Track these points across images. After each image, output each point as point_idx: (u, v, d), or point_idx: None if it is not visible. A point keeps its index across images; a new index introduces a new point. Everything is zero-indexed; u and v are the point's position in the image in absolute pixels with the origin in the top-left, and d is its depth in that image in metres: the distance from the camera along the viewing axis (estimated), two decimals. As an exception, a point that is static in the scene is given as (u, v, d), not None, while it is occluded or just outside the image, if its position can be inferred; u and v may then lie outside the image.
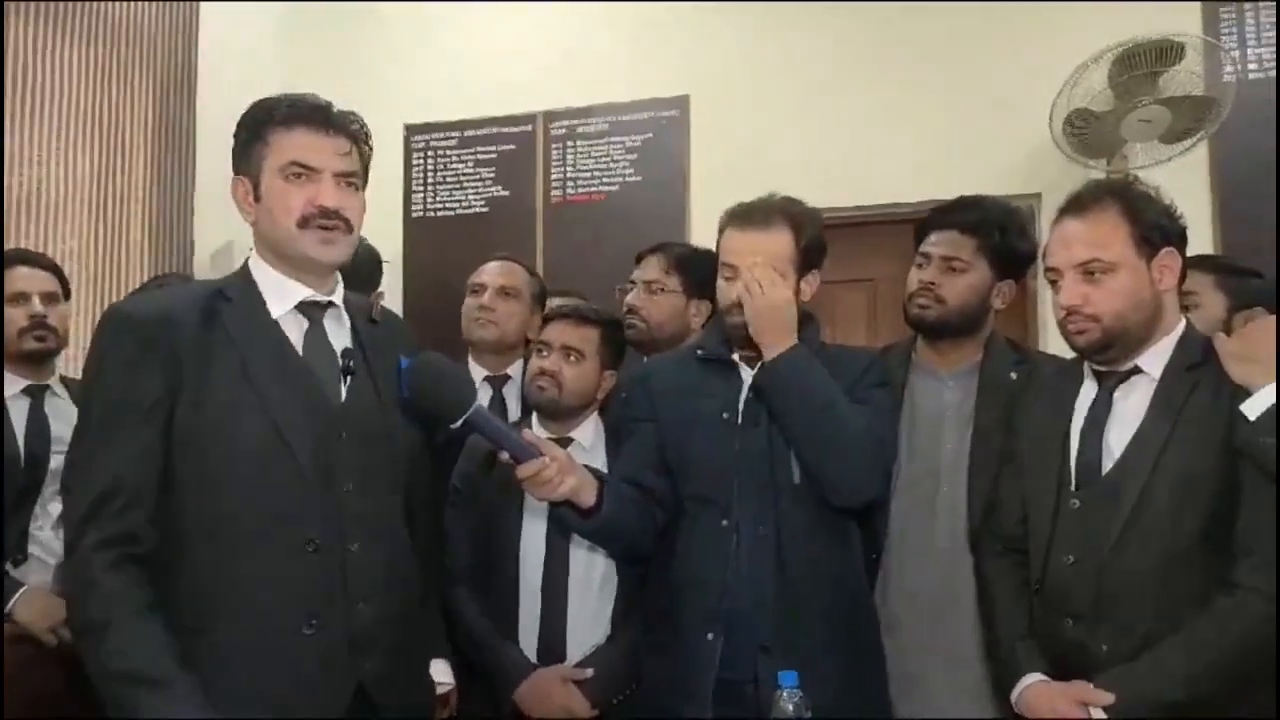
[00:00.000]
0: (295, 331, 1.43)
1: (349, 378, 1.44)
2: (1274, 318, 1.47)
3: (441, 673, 1.67)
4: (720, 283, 1.81)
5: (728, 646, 1.70)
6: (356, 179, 1.45)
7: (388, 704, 1.39)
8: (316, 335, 1.45)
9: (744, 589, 1.71)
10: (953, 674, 1.85)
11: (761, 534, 1.73)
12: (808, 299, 1.82)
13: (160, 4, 3.66)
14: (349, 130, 1.45)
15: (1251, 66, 3.18)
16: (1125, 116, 2.92)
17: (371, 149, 1.49)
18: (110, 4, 3.44)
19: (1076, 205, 1.59)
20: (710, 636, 1.71)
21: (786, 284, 1.75)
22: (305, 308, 1.45)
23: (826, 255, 1.84)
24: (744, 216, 1.79)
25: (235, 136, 1.45)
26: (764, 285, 1.71)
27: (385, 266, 3.49)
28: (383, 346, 1.51)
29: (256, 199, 1.42)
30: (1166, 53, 2.87)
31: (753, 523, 1.73)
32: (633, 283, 2.44)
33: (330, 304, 1.47)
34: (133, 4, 3.54)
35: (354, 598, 1.36)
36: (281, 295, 1.43)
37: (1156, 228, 1.54)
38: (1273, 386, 1.39)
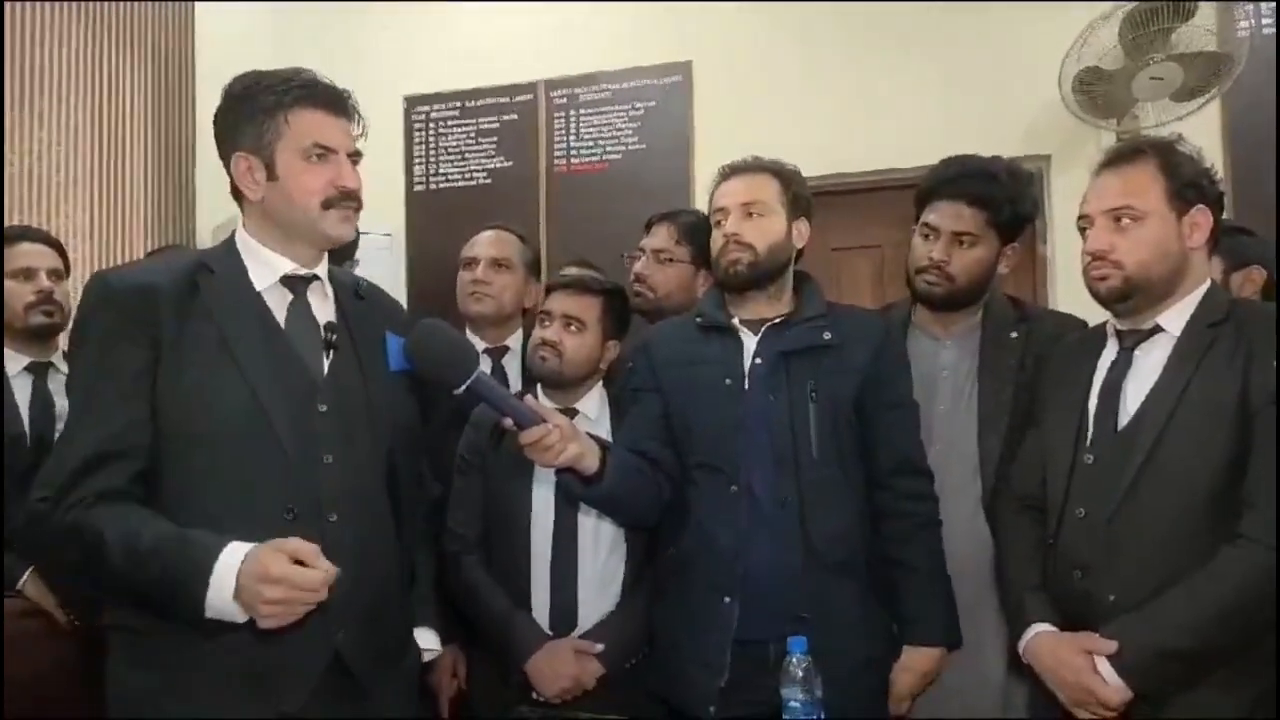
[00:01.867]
0: (278, 304, 1.45)
1: (331, 351, 1.45)
2: None
3: (428, 640, 1.68)
4: (714, 232, 1.86)
5: (745, 611, 1.72)
6: (358, 158, 1.50)
7: (366, 671, 1.41)
8: (299, 308, 1.46)
9: (763, 557, 1.72)
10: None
11: (786, 503, 1.73)
12: (799, 245, 1.86)
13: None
14: (352, 110, 1.48)
15: (1266, 21, 3.11)
16: (1136, 74, 2.86)
17: (365, 128, 1.52)
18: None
19: (1116, 157, 1.61)
20: (727, 600, 1.73)
21: (778, 219, 1.80)
22: (289, 281, 1.46)
23: (814, 213, 1.89)
24: (730, 168, 1.89)
25: (231, 111, 1.45)
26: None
27: (387, 240, 3.47)
28: (369, 321, 1.52)
29: (270, 177, 1.42)
30: (1178, 9, 2.81)
31: (771, 492, 1.74)
32: (642, 250, 2.43)
33: (314, 278, 1.48)
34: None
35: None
36: (266, 268, 1.45)
37: (1192, 185, 1.55)
38: None
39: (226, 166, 1.47)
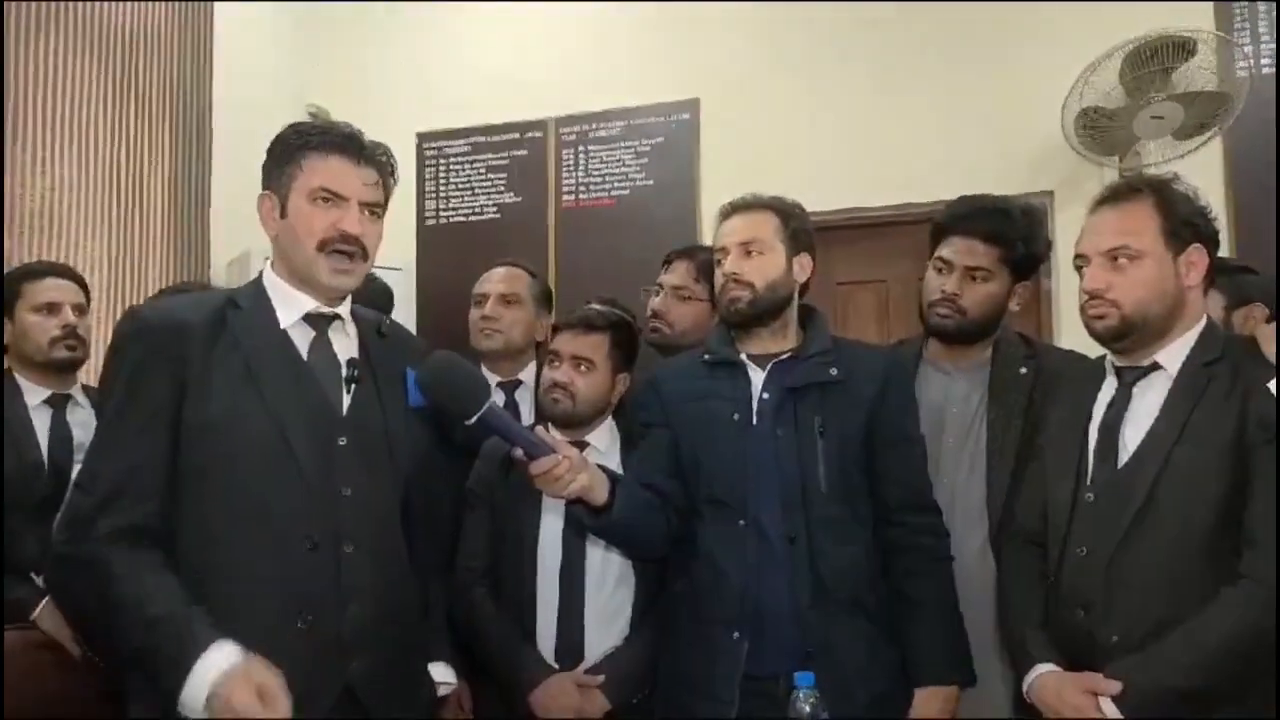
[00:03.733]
0: (302, 340, 1.49)
1: (352, 386, 1.49)
2: None
3: (442, 674, 1.68)
4: (715, 271, 1.88)
5: (754, 646, 1.72)
6: (380, 209, 1.53)
7: (377, 705, 1.42)
8: (322, 344, 1.50)
9: (771, 591, 1.73)
10: None
11: (793, 542, 1.74)
12: (801, 280, 1.87)
13: (175, 15, 3.70)
14: (378, 162, 1.51)
15: (1265, 61, 3.16)
16: (1138, 113, 2.91)
17: (397, 180, 1.56)
18: (126, 16, 3.48)
19: (1112, 195, 1.61)
20: (736, 635, 1.73)
21: (776, 256, 1.82)
22: (312, 319, 1.50)
23: (816, 247, 1.90)
24: (730, 206, 1.91)
25: (269, 153, 1.52)
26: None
27: (398, 274, 3.50)
28: (389, 358, 1.56)
29: (282, 215, 1.48)
30: (1179, 49, 2.86)
31: (781, 528, 1.74)
32: (660, 285, 2.44)
33: (336, 316, 1.52)
34: (148, 16, 3.58)
35: (346, 598, 1.40)
36: (291, 306, 1.49)
37: (1188, 224, 1.56)
38: None
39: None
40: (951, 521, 1.86)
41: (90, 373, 2.55)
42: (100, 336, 2.87)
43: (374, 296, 2.66)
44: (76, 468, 2.21)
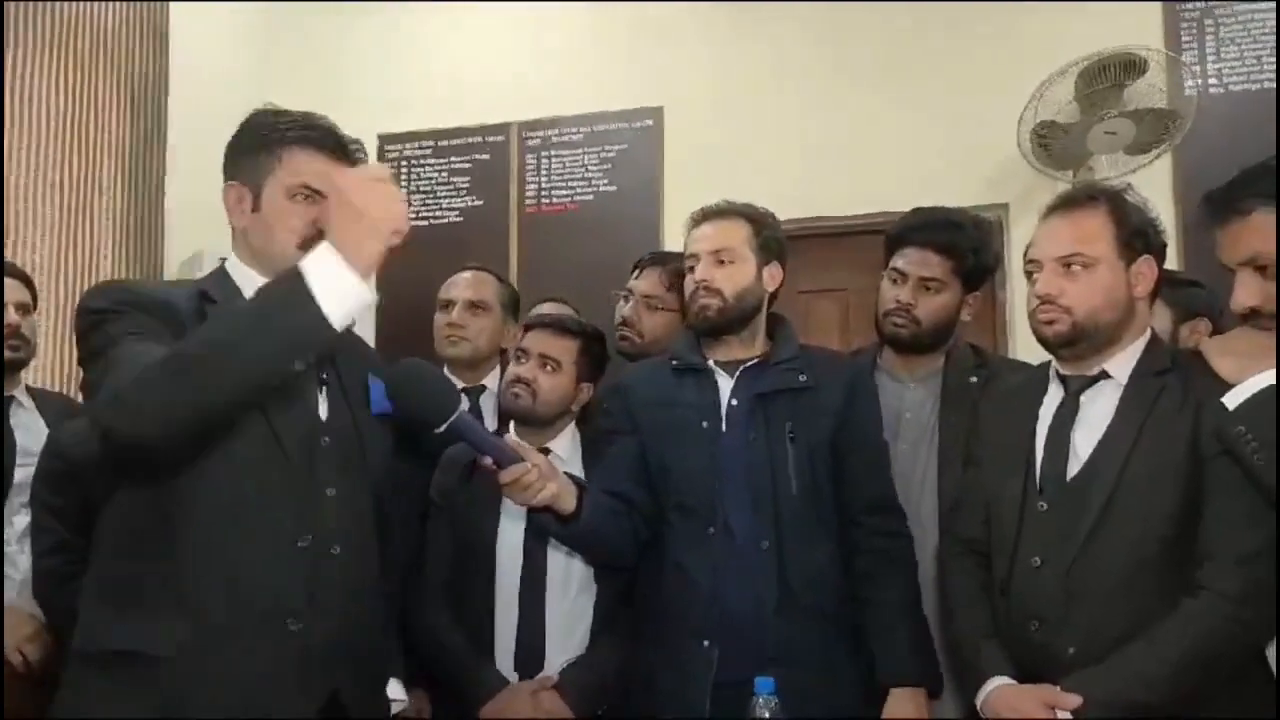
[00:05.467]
0: None
1: (324, 388, 1.44)
2: (1252, 328, 1.49)
3: (394, 690, 1.66)
4: (686, 277, 1.88)
5: (724, 652, 1.72)
6: None
7: (357, 713, 1.40)
8: None
9: (741, 599, 1.73)
10: None
11: (764, 547, 1.74)
12: (771, 289, 1.88)
13: (131, 14, 3.63)
14: (353, 158, 1.48)
15: (1212, 81, 3.25)
16: (1091, 129, 2.98)
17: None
18: (81, 15, 3.41)
19: (1066, 203, 1.61)
20: (706, 644, 1.73)
21: (747, 265, 1.82)
22: None
23: (787, 255, 1.91)
24: (702, 213, 1.91)
25: (238, 141, 1.46)
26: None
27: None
28: (350, 359, 1.52)
29: (254, 209, 1.43)
30: (1130, 67, 2.93)
31: (751, 535, 1.74)
32: (629, 291, 2.42)
33: None
34: (103, 16, 3.50)
35: (335, 601, 1.37)
36: None
37: (1139, 234, 1.57)
38: (1256, 379, 1.39)
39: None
40: None
41: (42, 373, 2.48)
42: (49, 339, 2.80)
43: None
44: (20, 471, 2.17)
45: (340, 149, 1.45)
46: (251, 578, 1.31)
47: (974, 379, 1.99)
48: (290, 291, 1.18)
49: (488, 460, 1.55)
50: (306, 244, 1.38)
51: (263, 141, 1.42)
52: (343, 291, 1.19)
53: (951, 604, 1.71)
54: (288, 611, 1.32)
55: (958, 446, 1.92)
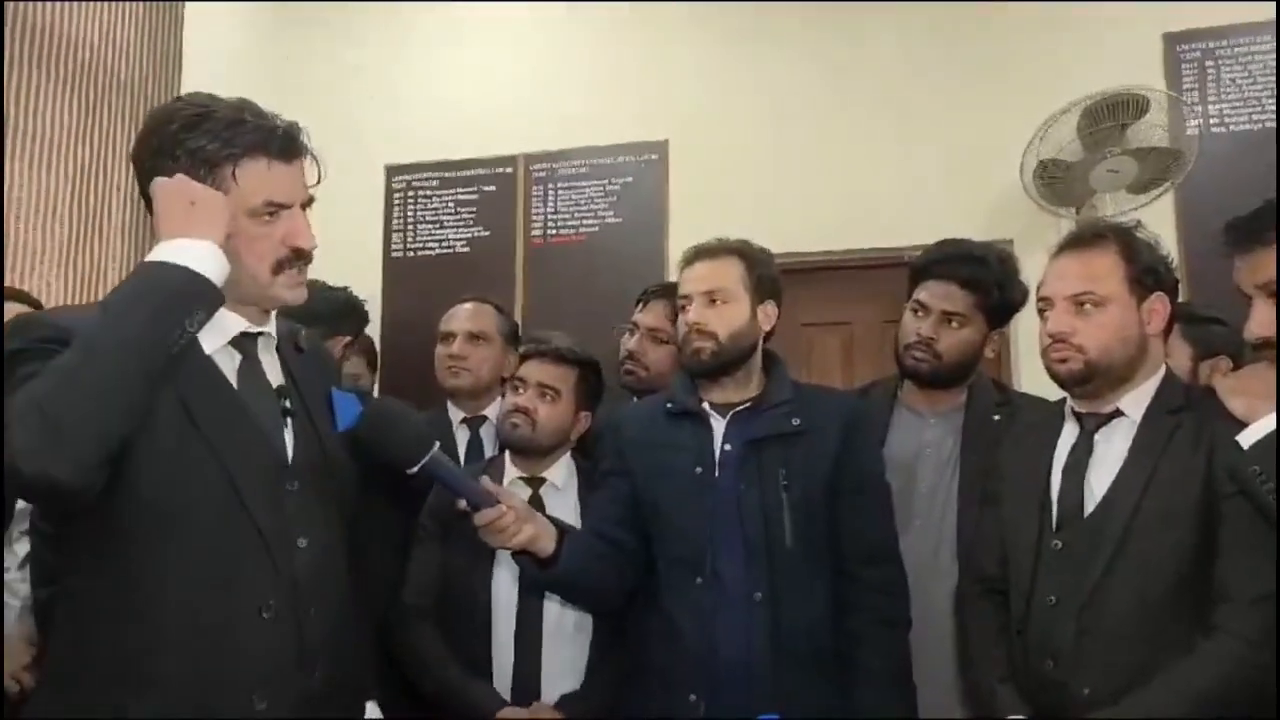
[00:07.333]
0: (229, 366, 1.29)
1: (290, 419, 1.32)
2: (1267, 366, 1.48)
3: (371, 711, 1.56)
4: (679, 318, 1.85)
5: (711, 707, 1.66)
6: (311, 202, 1.34)
7: None
8: (251, 370, 1.31)
9: (728, 649, 1.67)
10: (925, 710, 1.82)
11: (756, 599, 1.68)
12: (766, 328, 1.84)
13: (141, 39, 3.69)
14: (303, 148, 1.32)
15: (1213, 120, 3.27)
16: (1094, 167, 2.99)
17: (322, 170, 1.35)
18: (91, 35, 3.46)
19: (1077, 241, 1.62)
20: (693, 698, 1.67)
21: (741, 305, 1.79)
22: (238, 341, 1.30)
23: (782, 293, 1.87)
24: (695, 252, 1.86)
25: (164, 149, 1.24)
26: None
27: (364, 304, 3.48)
28: (312, 377, 1.41)
29: None
30: (1133, 105, 2.95)
31: (743, 586, 1.69)
32: (634, 324, 2.41)
33: (262, 333, 1.34)
34: (113, 38, 3.56)
35: (306, 665, 1.25)
36: (215, 329, 1.25)
37: (1150, 272, 1.57)
38: (1270, 418, 1.39)
39: (148, 203, 1.26)
40: (923, 566, 1.85)
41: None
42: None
43: (341, 311, 2.62)
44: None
45: (293, 148, 1.30)
46: (208, 655, 1.18)
47: (997, 417, 1.95)
48: (145, 274, 1.15)
49: (462, 503, 1.51)
50: (280, 267, 1.29)
51: (208, 158, 1.23)
52: (199, 254, 1.16)
53: (969, 644, 1.69)
54: (252, 687, 1.20)
55: (978, 484, 1.88)
